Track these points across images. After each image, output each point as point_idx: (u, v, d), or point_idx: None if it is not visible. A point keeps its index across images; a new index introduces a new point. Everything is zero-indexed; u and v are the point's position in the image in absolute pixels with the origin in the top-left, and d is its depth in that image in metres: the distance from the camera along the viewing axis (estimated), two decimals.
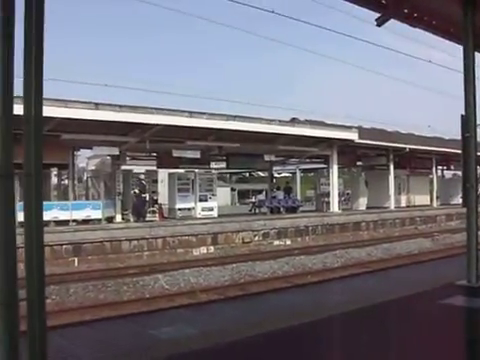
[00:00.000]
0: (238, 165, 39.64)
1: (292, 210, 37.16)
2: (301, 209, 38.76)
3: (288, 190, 40.97)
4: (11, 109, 3.03)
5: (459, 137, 9.06)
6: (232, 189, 73.33)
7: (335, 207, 36.53)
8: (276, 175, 49.62)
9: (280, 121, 31.89)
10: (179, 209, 31.25)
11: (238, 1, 14.65)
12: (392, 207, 40.82)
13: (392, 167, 41.19)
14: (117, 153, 28.06)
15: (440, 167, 50.61)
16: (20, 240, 2.99)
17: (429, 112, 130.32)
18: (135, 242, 23.54)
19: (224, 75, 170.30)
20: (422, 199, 45.91)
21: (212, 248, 25.62)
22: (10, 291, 3.00)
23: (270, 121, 30.61)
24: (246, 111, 40.36)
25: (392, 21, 8.69)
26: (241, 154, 33.73)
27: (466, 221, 9.25)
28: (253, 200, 45.38)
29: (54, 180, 33.55)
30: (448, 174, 54.01)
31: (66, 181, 31.30)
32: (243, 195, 71.85)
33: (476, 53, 9.27)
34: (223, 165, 36.90)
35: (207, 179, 33.26)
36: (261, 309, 9.38)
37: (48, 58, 3.24)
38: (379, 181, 41.90)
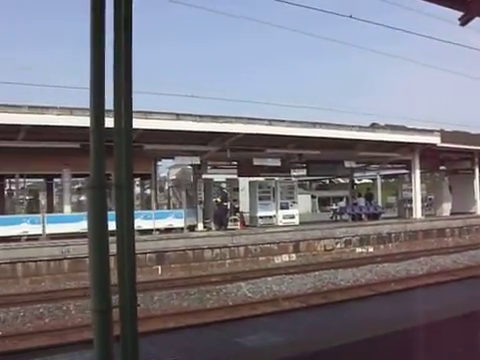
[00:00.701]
0: (318, 172, 39.43)
1: (374, 217, 36.71)
2: (383, 216, 38.20)
3: (369, 196, 40.49)
4: (103, 122, 3.13)
5: None
6: (312, 196, 72.94)
7: (418, 213, 35.73)
8: (356, 181, 49.10)
9: (360, 127, 31.56)
10: (260, 217, 31.38)
11: (303, 5, 14.46)
12: (478, 212, 39.53)
13: (478, 171, 39.94)
14: (198, 162, 28.49)
15: None
16: (112, 248, 3.08)
17: None
18: (217, 250, 23.79)
19: (294, 79, 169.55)
20: None
21: (294, 256, 25.58)
22: (103, 298, 3.09)
23: (350, 127, 30.34)
24: (319, 116, 40.16)
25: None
26: (321, 161, 33.54)
27: None
28: (334, 207, 45.04)
29: (137, 190, 34.39)
30: None
31: (148, 191, 31.98)
32: (323, 202, 71.34)
33: None
34: (303, 172, 36.83)
35: (288, 187, 33.25)
36: (345, 318, 9.27)
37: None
38: (464, 185, 40.65)
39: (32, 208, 28.33)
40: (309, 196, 70.70)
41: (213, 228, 29.80)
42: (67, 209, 26.22)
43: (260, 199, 31.69)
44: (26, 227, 23.54)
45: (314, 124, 28.53)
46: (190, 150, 27.51)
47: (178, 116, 24.80)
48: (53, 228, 23.73)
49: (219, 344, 6.92)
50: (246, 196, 33.99)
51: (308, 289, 17.98)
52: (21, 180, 26.83)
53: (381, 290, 15.67)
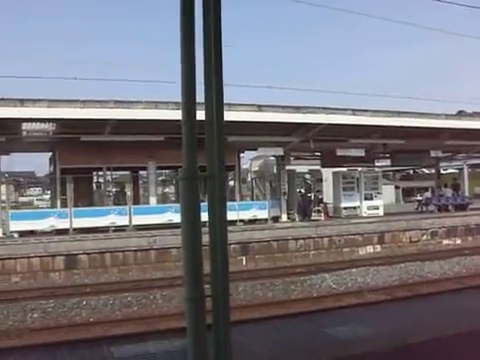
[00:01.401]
0: (403, 162, 38.59)
1: (461, 208, 35.69)
2: (470, 207, 37.05)
3: (456, 187, 39.40)
4: (194, 114, 3.17)
5: None
6: (396, 187, 71.57)
7: None
8: (441, 171, 47.85)
9: (446, 115, 30.67)
10: (344, 208, 31.12)
11: None
12: None
13: None
14: (281, 153, 28.46)
15: None
16: (205, 238, 3.12)
17: None
18: (301, 241, 23.72)
19: (376, 69, 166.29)
20: None
21: (379, 247, 25.21)
22: (196, 287, 3.14)
23: (436, 115, 29.53)
24: (403, 105, 39.31)
25: None
26: (406, 151, 32.85)
27: None
28: (419, 198, 44.02)
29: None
30: None
31: (231, 182, 32.21)
32: (407, 193, 69.86)
33: None
34: (387, 163, 36.18)
35: (372, 177, 32.79)
36: (433, 311, 9.07)
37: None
38: None
39: (119, 200, 29.04)
40: (393, 187, 69.44)
41: (297, 219, 29.76)
42: (153, 201, 26.76)
43: (344, 190, 31.42)
44: (113, 218, 24.19)
45: (399, 113, 27.93)
46: (273, 141, 27.51)
47: (260, 107, 24.82)
48: (139, 219, 24.29)
49: (307, 335, 6.90)
50: (330, 187, 33.73)
51: (393, 281, 17.71)
52: (108, 173, 27.55)
53: (471, 284, 15.20)
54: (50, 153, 29.21)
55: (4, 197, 26.25)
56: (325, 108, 26.10)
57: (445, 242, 27.15)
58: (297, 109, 25.59)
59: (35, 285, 18.73)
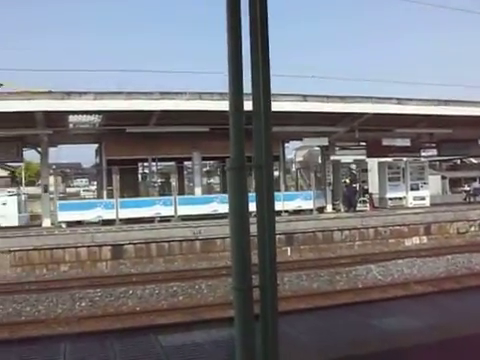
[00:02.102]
0: (450, 152, 37.86)
1: None
2: None
3: None
4: (242, 105, 3.18)
5: None
6: (443, 177, 70.44)
7: None
8: None
9: None
10: (390, 198, 30.80)
11: None
12: None
13: None
14: (326, 143, 28.31)
15: None
16: (253, 228, 3.13)
17: None
18: (346, 232, 23.58)
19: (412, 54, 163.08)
20: None
21: (425, 238, 24.88)
22: (244, 277, 3.16)
23: None
24: (450, 93, 38.66)
25: None
26: (453, 140, 32.26)
27: None
28: (467, 188, 43.23)
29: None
30: None
31: (276, 173, 32.16)
32: (454, 183, 68.65)
33: None
34: (434, 152, 35.64)
35: (418, 167, 32.37)
36: None
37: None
38: None
39: (164, 191, 29.29)
40: (439, 177, 68.37)
41: (342, 210, 29.59)
42: (197, 191, 26.91)
43: (389, 180, 31.10)
44: (159, 209, 24.42)
45: (446, 102, 27.40)
46: (318, 131, 27.35)
47: (305, 97, 24.68)
48: (184, 210, 24.47)
49: (355, 326, 6.85)
50: (375, 177, 33.41)
51: (441, 273, 17.47)
52: (153, 164, 27.79)
53: None
54: (96, 145, 29.64)
55: (52, 188, 26.74)
56: (370, 97, 25.79)
57: None
58: (342, 99, 25.36)
59: (83, 274, 19.07)
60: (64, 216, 23.91)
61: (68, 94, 21.76)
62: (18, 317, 13.90)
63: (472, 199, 36.89)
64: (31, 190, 63.87)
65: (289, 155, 39.50)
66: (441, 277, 16.66)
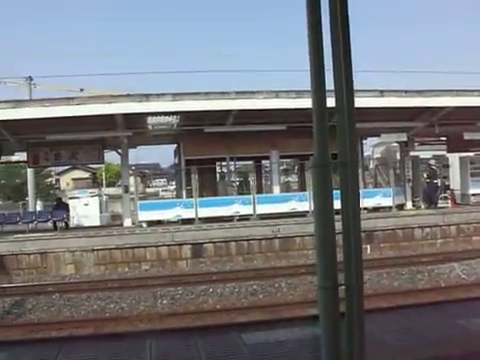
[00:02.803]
0: None
1: None
2: None
3: None
4: (324, 102, 3.16)
5: None
6: None
7: None
8: None
9: None
10: (473, 194, 29.85)
11: None
12: None
13: None
14: (405, 139, 27.76)
15: None
16: (338, 226, 3.11)
17: None
18: (428, 229, 23.05)
19: None
20: None
21: None
22: (330, 275, 3.14)
23: None
24: None
25: None
26: None
27: None
28: None
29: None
30: None
31: None
32: None
33: None
34: None
35: None
36: None
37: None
38: None
39: (242, 189, 29.45)
40: None
41: (422, 206, 28.96)
42: (276, 190, 26.90)
43: (472, 176, 30.12)
44: (238, 208, 24.54)
45: None
46: (396, 127, 26.86)
47: (382, 93, 24.27)
48: (263, 208, 24.50)
49: (439, 326, 6.69)
50: (456, 173, 32.51)
51: None
52: (231, 163, 27.96)
53: None
54: (174, 145, 30.08)
55: (133, 188, 27.34)
56: (451, 90, 25.07)
57: None
58: (420, 93, 24.77)
59: (163, 273, 19.41)
60: (144, 216, 24.39)
61: (147, 96, 22.19)
62: (102, 314, 14.31)
63: None
64: (111, 191, 65.53)
65: (367, 152, 38.98)
66: None
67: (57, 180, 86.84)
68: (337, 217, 3.08)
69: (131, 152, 27.48)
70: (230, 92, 22.73)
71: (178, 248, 20.76)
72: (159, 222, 24.59)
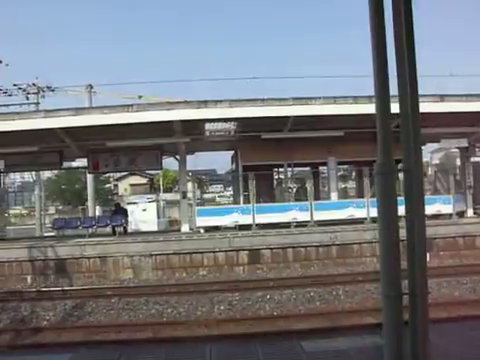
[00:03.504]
0: None
1: None
2: None
3: None
4: (389, 108, 3.12)
5: None
6: None
7: None
8: None
9: None
10: None
11: None
12: None
13: None
14: (466, 145, 27.16)
15: None
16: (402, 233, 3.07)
17: None
18: None
19: None
20: None
21: None
22: (394, 283, 3.10)
23: None
24: None
25: None
26: None
27: None
28: None
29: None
30: None
31: None
32: None
33: None
34: None
35: None
36: None
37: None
38: None
39: (299, 196, 29.32)
40: None
41: None
42: (333, 196, 26.70)
43: None
44: (295, 214, 24.43)
45: None
46: (456, 132, 26.29)
47: (442, 97, 23.81)
48: (320, 215, 24.33)
49: None
50: None
51: None
52: (288, 169, 27.88)
53: None
54: (231, 151, 30.20)
55: (190, 194, 27.55)
56: None
57: None
58: None
59: (221, 278, 19.48)
60: (202, 221, 24.53)
61: (204, 103, 22.37)
62: (160, 318, 14.48)
63: None
64: (169, 196, 66.24)
65: (425, 158, 38.31)
66: None
67: (115, 186, 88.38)
68: (401, 224, 3.05)
69: (188, 158, 27.72)
70: (287, 98, 22.69)
71: (235, 254, 20.82)
72: (216, 228, 24.69)
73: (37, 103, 39.20)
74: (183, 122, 22.61)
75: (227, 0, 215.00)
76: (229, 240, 21.25)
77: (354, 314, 13.26)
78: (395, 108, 3.19)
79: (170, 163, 31.21)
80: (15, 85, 38.65)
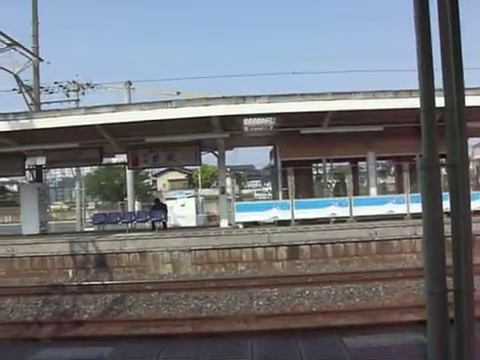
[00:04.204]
0: None
1: None
2: None
3: None
4: (433, 102, 3.07)
5: None
6: None
7: None
8: None
9: None
10: None
11: None
12: None
13: None
14: None
15: None
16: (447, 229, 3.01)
17: None
18: None
19: None
20: None
21: None
22: (438, 280, 3.05)
23: None
24: None
25: None
26: None
27: None
28: None
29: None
30: None
31: None
32: None
33: None
34: None
35: None
36: None
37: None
38: None
39: (338, 191, 29.14)
40: None
41: None
42: (373, 191, 26.46)
43: None
44: (334, 209, 24.29)
45: None
46: None
47: None
48: (359, 210, 24.14)
49: None
50: None
51: None
52: (327, 164, 27.72)
53: None
54: (269, 146, 30.15)
55: (229, 190, 27.60)
56: None
57: None
58: None
59: (259, 274, 19.48)
60: (241, 217, 24.57)
61: (243, 98, 22.35)
62: (199, 313, 14.54)
63: None
64: (207, 192, 66.50)
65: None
66: None
67: (154, 181, 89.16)
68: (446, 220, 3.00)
69: (227, 154, 27.74)
70: (326, 93, 22.52)
71: (274, 249, 20.79)
72: (255, 223, 24.69)
73: (77, 100, 39.69)
74: (221, 118, 22.64)
75: None
76: (268, 236, 21.22)
77: (394, 311, 13.12)
78: (439, 102, 3.13)
79: (208, 158, 31.27)
80: (56, 83, 39.19)
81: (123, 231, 25.17)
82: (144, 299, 15.85)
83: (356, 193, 28.22)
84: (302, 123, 23.55)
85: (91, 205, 64.54)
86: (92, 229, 30.80)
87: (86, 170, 58.58)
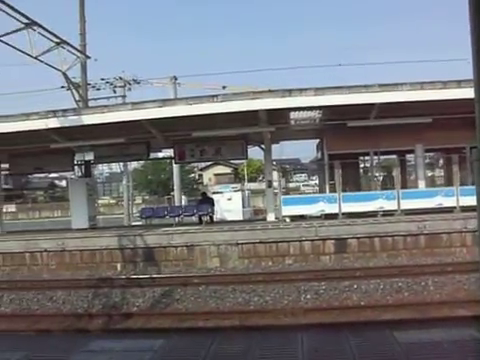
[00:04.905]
0: None
1: None
2: None
3: None
4: None
5: None
6: None
7: None
8: None
9: None
10: None
11: None
12: None
13: None
14: None
15: None
16: None
17: None
18: None
19: None
20: None
21: None
22: None
23: None
24: None
25: None
26: None
27: None
28: None
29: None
30: None
31: None
32: None
33: None
34: None
35: None
36: None
37: None
38: None
39: (386, 184, 28.79)
40: None
41: None
42: (421, 184, 26.07)
43: None
44: (381, 203, 24.01)
45: None
46: None
47: None
48: (407, 204, 23.81)
49: None
50: None
51: None
52: (375, 157, 27.41)
53: None
54: (316, 140, 29.99)
55: (276, 184, 27.58)
56: None
57: None
58: None
59: (307, 267, 19.43)
60: (288, 210, 24.51)
61: (289, 91, 22.24)
62: (247, 306, 14.60)
63: None
64: (253, 186, 66.62)
65: None
66: None
67: (200, 175, 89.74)
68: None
69: (273, 147, 27.70)
70: (373, 85, 22.27)
71: (321, 243, 20.69)
72: (302, 217, 24.62)
73: (124, 96, 40.22)
74: (268, 111, 22.60)
75: None
76: (315, 229, 21.13)
77: (444, 306, 12.94)
78: None
79: (254, 152, 31.26)
80: (102, 79, 39.81)
81: (170, 225, 25.40)
82: (192, 292, 16.00)
83: (404, 186, 27.86)
84: (349, 115, 23.36)
85: (138, 199, 65.26)
86: (139, 223, 31.16)
87: (133, 165, 59.23)
